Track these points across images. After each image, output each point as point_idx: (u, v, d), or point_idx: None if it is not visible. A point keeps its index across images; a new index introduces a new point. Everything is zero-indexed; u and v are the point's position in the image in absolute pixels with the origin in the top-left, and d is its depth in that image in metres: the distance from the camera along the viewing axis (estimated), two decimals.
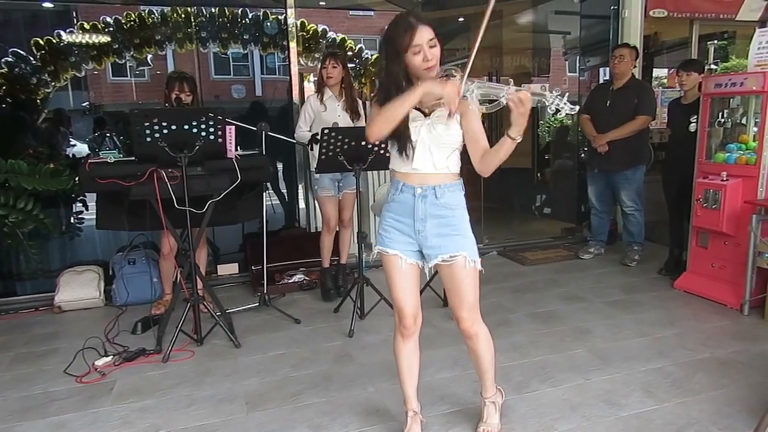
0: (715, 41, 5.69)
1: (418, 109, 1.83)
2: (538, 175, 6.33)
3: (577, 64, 5.85)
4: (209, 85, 10.84)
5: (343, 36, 7.44)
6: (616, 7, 4.98)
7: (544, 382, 2.58)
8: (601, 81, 5.07)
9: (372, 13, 11.63)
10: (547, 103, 1.59)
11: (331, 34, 6.87)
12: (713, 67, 5.64)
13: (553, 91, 1.60)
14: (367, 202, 4.80)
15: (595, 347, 2.94)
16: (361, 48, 7.56)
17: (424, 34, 1.74)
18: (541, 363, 2.76)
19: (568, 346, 2.95)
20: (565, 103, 1.58)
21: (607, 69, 4.83)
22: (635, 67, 4.35)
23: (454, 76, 1.71)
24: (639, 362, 2.74)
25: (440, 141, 1.84)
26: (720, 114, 3.65)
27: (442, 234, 1.89)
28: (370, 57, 7.73)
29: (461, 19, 6.76)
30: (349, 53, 7.49)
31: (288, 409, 2.41)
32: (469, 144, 1.86)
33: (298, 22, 6.77)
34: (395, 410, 2.36)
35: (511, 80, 1.72)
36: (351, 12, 11.15)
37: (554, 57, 7.34)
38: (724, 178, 3.40)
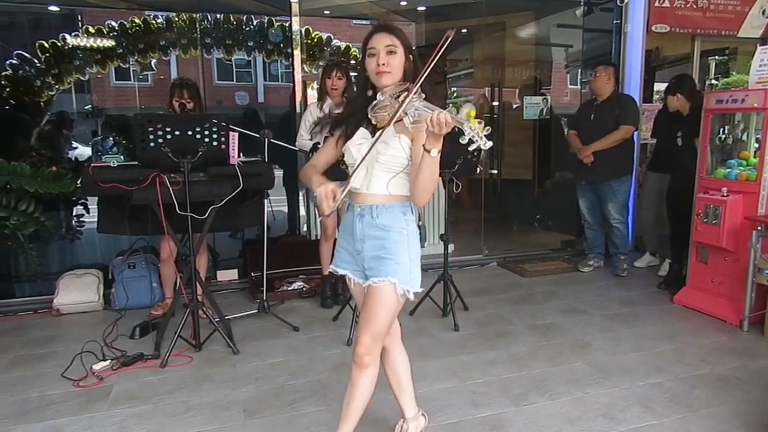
0: (717, 57, 5.72)
1: (368, 126, 1.78)
2: (539, 187, 6.35)
3: (579, 77, 5.88)
4: (212, 91, 10.87)
5: (348, 44, 7.49)
6: (618, 22, 5.02)
7: (542, 394, 2.57)
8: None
9: (376, 22, 11.73)
10: (465, 134, 1.46)
11: (336, 42, 6.91)
12: (714, 82, 5.67)
13: (475, 125, 1.45)
14: None
15: (594, 360, 2.93)
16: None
17: (382, 39, 1.73)
18: (540, 375, 2.76)
19: (566, 359, 2.95)
20: (481, 137, 1.44)
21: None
22: (616, 83, 4.40)
23: (404, 93, 1.65)
24: (638, 376, 2.74)
25: (377, 160, 1.74)
26: (721, 130, 3.67)
27: (376, 256, 1.80)
28: None
29: (464, 31, 6.79)
30: (353, 62, 7.54)
31: (285, 417, 2.40)
32: (411, 168, 1.75)
33: (303, 30, 6.82)
34: (393, 420, 2.35)
35: (463, 105, 1.67)
36: (354, 21, 11.22)
37: (556, 69, 7.37)
38: (725, 194, 3.40)
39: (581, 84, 5.63)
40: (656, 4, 4.86)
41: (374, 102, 1.74)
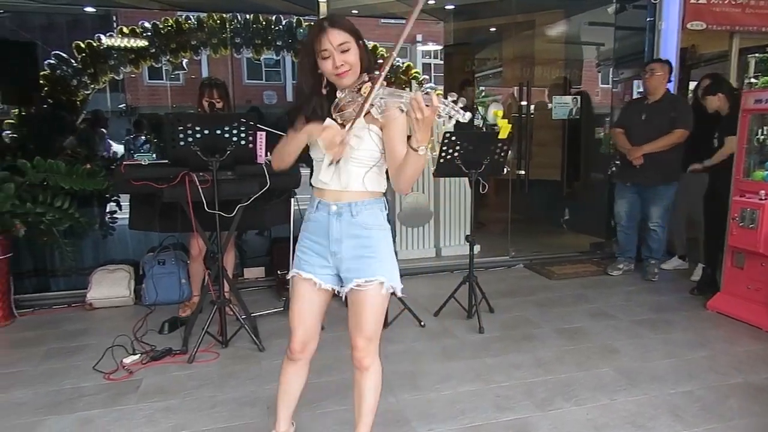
0: (756, 54, 5.55)
1: (335, 120, 1.64)
2: (568, 188, 6.24)
3: (610, 76, 5.76)
4: (241, 90, 11.03)
5: (375, 44, 7.49)
6: (652, 19, 4.89)
7: (568, 400, 2.53)
8: (635, 94, 4.99)
9: (403, 21, 11.71)
10: (442, 112, 1.39)
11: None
12: (753, 80, 5.49)
13: (448, 98, 1.40)
14: (394, 210, 4.81)
15: (622, 366, 2.87)
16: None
17: (333, 38, 1.62)
18: (566, 380, 2.72)
19: (594, 364, 2.90)
20: (457, 110, 1.37)
21: (641, 81, 4.76)
22: (670, 81, 4.27)
23: (367, 83, 1.58)
24: (667, 384, 2.67)
25: (351, 157, 1.68)
26: (759, 130, 3.55)
27: (358, 256, 1.73)
28: (401, 65, 7.77)
29: (493, 29, 6.73)
30: (380, 61, 7.53)
31: (308, 416, 2.41)
32: (387, 155, 1.69)
33: None
34: (415, 421, 2.36)
35: (432, 90, 1.55)
36: (382, 20, 11.23)
37: (587, 68, 7.24)
38: (763, 197, 3.29)
39: (613, 83, 5.51)
40: (692, 1, 4.72)
41: (335, 101, 1.66)
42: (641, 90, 4.75)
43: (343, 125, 1.62)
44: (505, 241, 5.02)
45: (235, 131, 2.92)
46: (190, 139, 2.86)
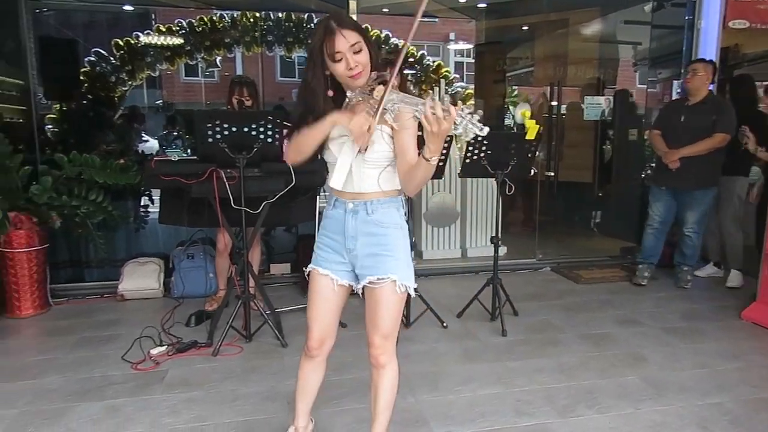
0: None
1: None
2: (600, 190, 6.12)
3: (647, 77, 5.62)
4: (274, 87, 11.16)
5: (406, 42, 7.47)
6: (690, 17, 4.75)
7: (591, 407, 2.48)
8: (674, 95, 4.85)
9: (437, 19, 11.65)
10: (458, 124, 1.37)
11: (393, 40, 6.93)
12: None
13: (464, 109, 1.38)
14: (419, 210, 4.80)
15: (648, 375, 2.80)
16: (423, 54, 7.59)
17: (345, 40, 1.59)
18: (589, 387, 2.66)
19: (619, 372, 2.83)
20: (474, 124, 1.35)
21: (680, 82, 4.62)
22: (714, 83, 4.12)
23: (380, 86, 1.54)
24: (696, 395, 2.59)
25: (365, 159, 1.67)
26: None
27: (372, 254, 1.74)
28: (431, 63, 7.74)
29: (525, 28, 6.64)
30: (411, 59, 7.53)
31: (327, 412, 2.43)
32: (397, 157, 1.67)
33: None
34: (434, 422, 2.35)
35: (445, 97, 1.52)
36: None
37: (623, 68, 7.08)
38: None
39: (648, 83, 5.37)
40: None
41: (346, 101, 1.64)
42: (680, 90, 4.62)
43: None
44: (532, 243, 4.96)
45: (262, 129, 2.96)
46: (218, 136, 2.92)
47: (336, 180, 1.71)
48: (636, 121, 5.60)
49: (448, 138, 3.12)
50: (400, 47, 1.69)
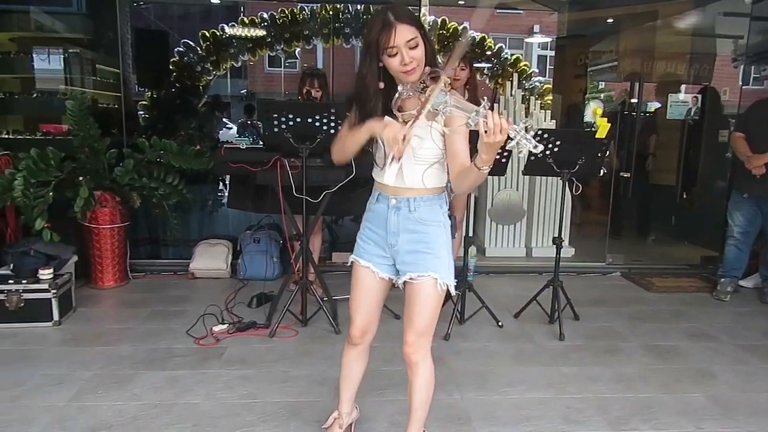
0: None
1: (396, 118, 1.60)
2: (683, 194, 5.73)
3: (742, 73, 5.18)
4: (353, 78, 11.32)
5: (483, 35, 7.34)
6: None
7: (646, 422, 2.35)
8: None
9: (522, 11, 11.32)
10: (511, 137, 1.34)
11: (471, 33, 6.82)
12: None
13: (520, 123, 1.34)
14: (484, 206, 4.72)
15: (716, 394, 2.61)
16: (501, 47, 7.42)
17: (402, 34, 1.55)
18: (647, 401, 2.52)
19: (683, 388, 2.66)
20: (528, 139, 1.32)
21: None
22: None
23: (438, 80, 1.49)
24: None
25: (412, 155, 1.66)
26: None
27: (413, 251, 1.73)
28: (509, 57, 7.56)
29: (610, 20, 6.31)
30: (488, 52, 7.39)
31: (372, 401, 2.46)
32: (448, 157, 1.66)
33: (439, 20, 6.80)
34: (477, 421, 2.32)
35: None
36: (498, 11, 10.94)
37: (720, 64, 6.56)
38: None
39: (743, 80, 4.95)
40: None
41: (395, 96, 1.61)
42: None
43: (404, 122, 1.56)
44: (602, 246, 4.74)
45: (325, 120, 3.02)
46: (284, 126, 3.01)
47: (381, 175, 1.73)
48: (725, 122, 5.18)
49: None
50: (456, 46, 1.67)
